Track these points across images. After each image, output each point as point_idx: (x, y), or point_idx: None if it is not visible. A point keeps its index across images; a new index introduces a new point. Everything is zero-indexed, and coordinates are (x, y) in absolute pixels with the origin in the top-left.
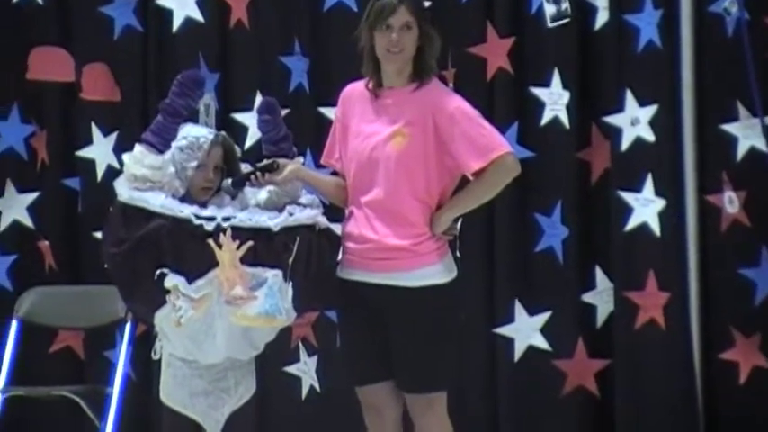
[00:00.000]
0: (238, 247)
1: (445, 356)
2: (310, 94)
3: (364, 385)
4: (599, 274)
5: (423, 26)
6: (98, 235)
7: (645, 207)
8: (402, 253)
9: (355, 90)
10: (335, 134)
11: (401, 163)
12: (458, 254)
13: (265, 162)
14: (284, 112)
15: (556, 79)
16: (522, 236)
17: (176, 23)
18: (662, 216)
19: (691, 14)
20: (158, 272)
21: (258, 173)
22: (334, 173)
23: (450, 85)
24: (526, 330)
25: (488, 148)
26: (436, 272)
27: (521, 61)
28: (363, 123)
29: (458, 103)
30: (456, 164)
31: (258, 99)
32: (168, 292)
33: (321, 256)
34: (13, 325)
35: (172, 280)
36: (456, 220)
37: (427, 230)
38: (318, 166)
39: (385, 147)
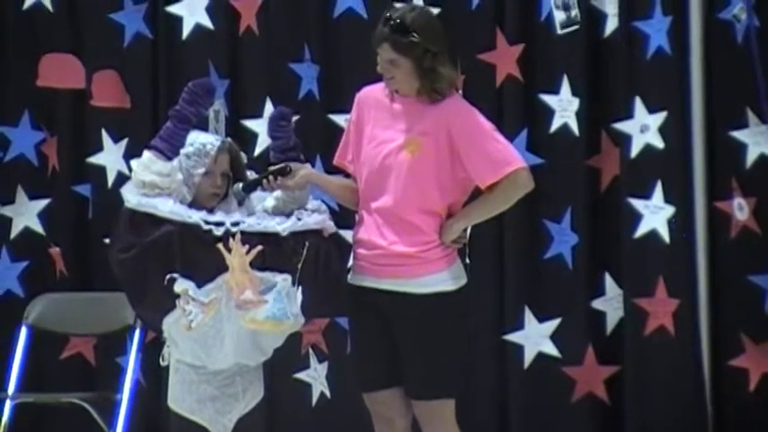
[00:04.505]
0: (247, 252)
1: (453, 364)
2: (320, 100)
3: (373, 391)
4: (608, 280)
5: (416, 63)
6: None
7: (654, 214)
8: (409, 260)
9: (371, 93)
10: (349, 136)
11: (412, 173)
12: (467, 261)
13: (278, 166)
14: (294, 118)
15: (565, 86)
16: (531, 243)
17: (186, 30)
18: (671, 223)
19: (700, 21)
20: (168, 277)
21: (270, 177)
22: (346, 174)
23: (460, 91)
24: (536, 337)
25: (503, 162)
26: (444, 279)
27: (530, 68)
28: (378, 129)
29: (474, 117)
30: (469, 177)
31: (268, 106)
32: (178, 296)
33: (329, 260)
34: (23, 332)
35: (181, 284)
36: (465, 228)
37: (436, 238)
38: (329, 172)
39: (398, 155)
